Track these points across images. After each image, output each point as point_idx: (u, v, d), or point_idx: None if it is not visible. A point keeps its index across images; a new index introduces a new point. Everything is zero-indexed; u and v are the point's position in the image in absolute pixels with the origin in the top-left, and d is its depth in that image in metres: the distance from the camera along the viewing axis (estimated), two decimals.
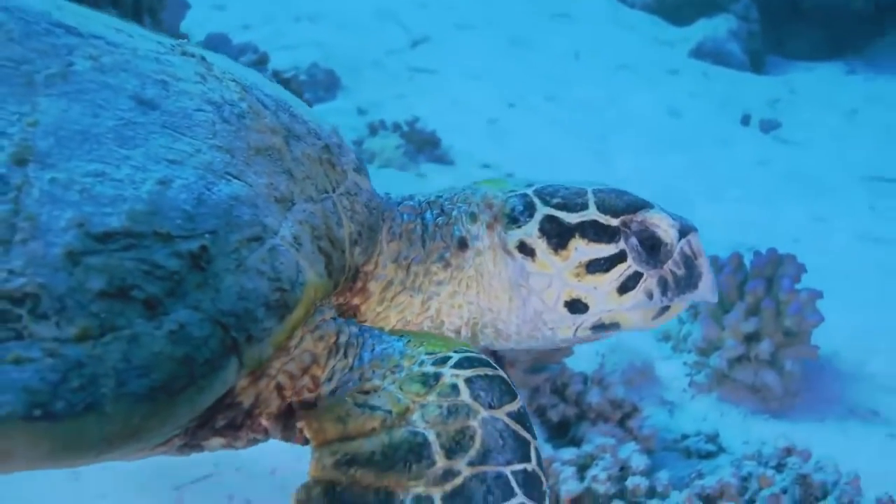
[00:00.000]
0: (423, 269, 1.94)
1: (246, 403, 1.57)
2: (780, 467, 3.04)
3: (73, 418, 1.20)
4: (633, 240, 1.90)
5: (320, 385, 1.63)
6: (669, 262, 1.94)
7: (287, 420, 1.63)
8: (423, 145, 5.73)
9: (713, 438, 3.59)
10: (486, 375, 1.55)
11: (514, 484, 1.41)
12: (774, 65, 9.66)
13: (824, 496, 2.86)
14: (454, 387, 1.51)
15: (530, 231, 1.90)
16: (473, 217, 1.96)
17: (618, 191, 1.97)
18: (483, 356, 1.64)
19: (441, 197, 2.04)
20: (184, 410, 1.34)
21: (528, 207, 1.92)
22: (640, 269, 1.91)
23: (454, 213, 1.98)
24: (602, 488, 2.88)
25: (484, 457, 1.42)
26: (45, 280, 1.24)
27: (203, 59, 1.73)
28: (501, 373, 1.60)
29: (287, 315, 1.48)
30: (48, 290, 1.24)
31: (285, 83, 5.90)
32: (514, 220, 1.92)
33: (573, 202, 1.91)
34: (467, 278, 1.95)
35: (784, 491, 2.91)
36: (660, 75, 8.20)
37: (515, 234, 1.91)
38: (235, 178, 1.50)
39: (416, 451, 1.43)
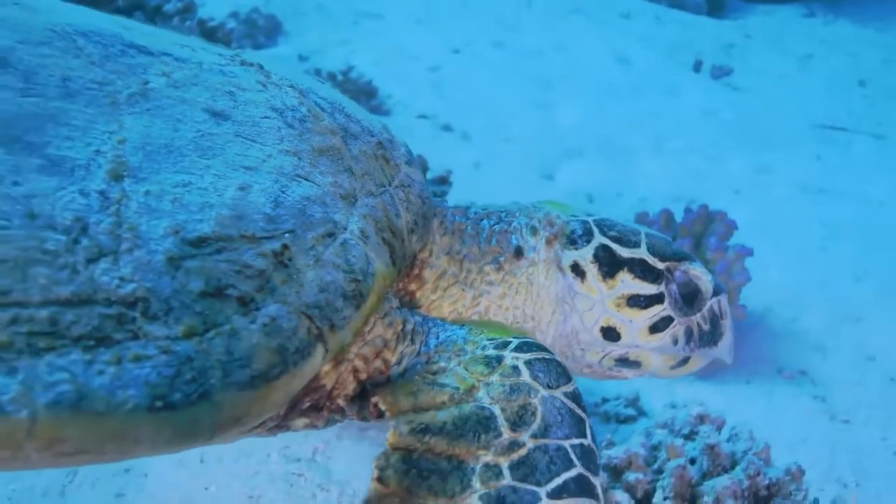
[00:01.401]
0: (477, 267, 2.07)
1: (328, 386, 1.72)
2: (691, 436, 2.94)
3: (188, 407, 1.33)
4: (674, 287, 2.06)
5: (390, 367, 1.78)
6: (698, 315, 2.09)
7: (360, 401, 1.77)
8: (358, 95, 5.53)
9: (634, 402, 3.51)
10: (544, 359, 1.69)
11: (573, 456, 1.53)
12: (734, 8, 9.43)
13: (732, 467, 2.77)
14: (515, 368, 1.65)
15: (585, 255, 2.05)
16: (534, 230, 2.10)
17: (666, 238, 2.13)
18: (539, 342, 1.79)
19: (499, 208, 2.18)
20: (281, 395, 1.48)
21: (587, 233, 2.07)
22: (672, 314, 2.06)
23: (514, 223, 2.12)
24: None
25: (545, 430, 1.55)
26: (152, 284, 1.37)
27: (261, 67, 1.86)
28: (557, 357, 1.73)
29: (362, 303, 1.61)
30: (156, 294, 1.37)
31: (211, 32, 5.68)
32: (572, 242, 2.07)
33: (627, 238, 2.06)
34: (518, 284, 2.08)
35: (692, 461, 2.81)
36: (612, 19, 7.97)
37: (571, 255, 2.06)
38: (304, 179, 1.64)
39: (484, 424, 1.56)
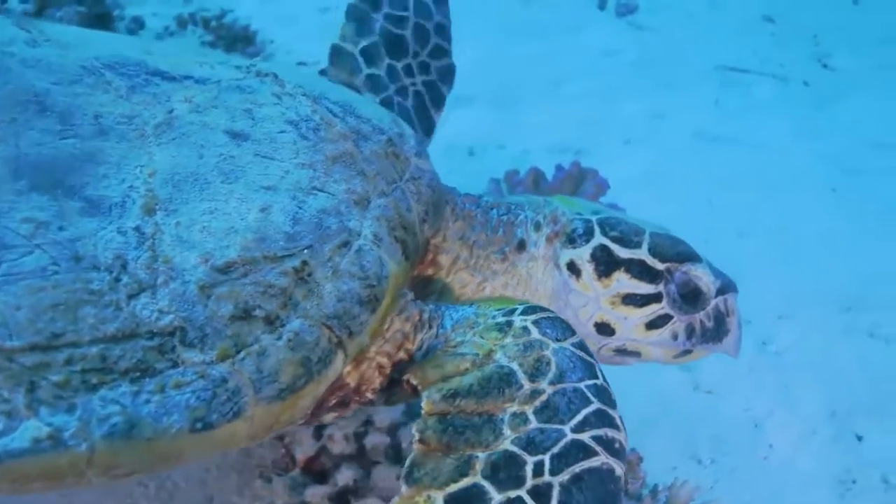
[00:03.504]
0: (485, 254, 2.18)
1: (353, 384, 1.87)
2: None
3: (225, 424, 1.49)
4: (672, 287, 2.10)
5: (413, 355, 1.93)
6: (701, 313, 2.13)
7: (389, 390, 1.93)
8: (235, 42, 5.19)
9: None
10: (549, 317, 1.83)
11: (589, 394, 1.66)
12: None
13: None
14: (525, 328, 1.80)
15: (582, 254, 2.12)
16: (538, 226, 2.18)
17: (675, 238, 2.16)
18: (541, 305, 1.94)
19: (510, 200, 2.28)
20: (307, 402, 1.66)
21: (587, 233, 2.13)
22: (671, 313, 2.11)
23: (520, 216, 2.21)
24: (337, 448, 2.63)
25: (561, 376, 1.69)
26: (187, 314, 1.51)
27: (276, 76, 1.99)
28: (560, 316, 1.88)
29: (378, 307, 1.76)
30: (191, 322, 1.51)
31: None
32: (571, 241, 2.14)
33: (629, 238, 2.11)
34: (518, 276, 2.18)
35: None
36: None
37: (568, 253, 2.13)
38: (320, 190, 1.78)
39: (506, 379, 1.70)
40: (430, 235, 2.08)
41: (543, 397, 1.66)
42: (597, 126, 5.05)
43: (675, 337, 2.13)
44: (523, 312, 1.86)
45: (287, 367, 1.58)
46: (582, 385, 1.69)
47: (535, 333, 1.79)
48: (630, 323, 2.10)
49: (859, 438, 3.37)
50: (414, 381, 1.79)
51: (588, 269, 2.11)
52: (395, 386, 1.93)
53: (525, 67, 5.53)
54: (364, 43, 2.84)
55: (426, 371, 1.79)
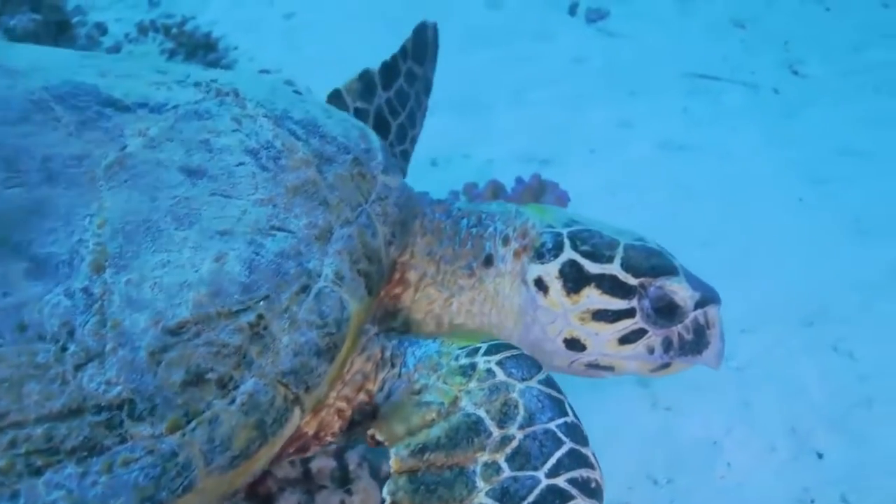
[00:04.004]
0: (451, 269, 2.11)
1: (311, 432, 1.82)
2: None
3: (175, 501, 1.43)
4: (647, 302, 2.02)
5: (374, 396, 1.89)
6: (679, 326, 2.05)
7: (350, 431, 1.89)
8: (196, 49, 5.12)
9: None
10: (513, 356, 1.80)
11: (560, 435, 1.64)
12: None
13: None
14: (489, 371, 1.76)
15: (550, 270, 2.04)
16: (506, 240, 2.11)
17: (651, 251, 2.09)
18: (505, 342, 1.89)
19: (482, 209, 2.20)
20: (261, 463, 1.62)
21: (556, 247, 2.06)
22: (645, 327, 2.04)
23: (490, 229, 2.14)
24: (282, 472, 2.56)
25: (530, 419, 1.67)
26: (136, 385, 1.44)
27: (236, 94, 1.92)
28: (525, 352, 1.84)
29: (337, 354, 1.71)
30: (140, 394, 1.44)
31: None
32: (539, 256, 2.07)
33: (600, 253, 2.05)
34: (485, 292, 2.11)
35: None
36: None
37: (536, 269, 2.06)
38: (279, 229, 1.71)
39: (474, 428, 1.67)
40: (396, 256, 2.03)
41: (514, 443, 1.63)
42: (563, 134, 4.99)
43: (651, 351, 2.07)
44: (487, 352, 1.82)
45: (240, 432, 1.53)
46: (552, 425, 1.66)
47: (500, 375, 1.75)
48: (602, 338, 2.04)
49: (820, 456, 3.31)
50: (380, 438, 1.76)
51: (556, 285, 2.04)
52: (355, 426, 1.89)
53: (491, 74, 5.46)
54: (358, 105, 2.99)
55: (392, 426, 1.75)
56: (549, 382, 1.76)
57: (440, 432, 1.69)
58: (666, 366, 2.13)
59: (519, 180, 3.85)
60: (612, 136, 5.05)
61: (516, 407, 1.69)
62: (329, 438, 1.88)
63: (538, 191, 3.79)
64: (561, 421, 1.68)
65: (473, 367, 1.79)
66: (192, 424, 1.48)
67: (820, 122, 5.53)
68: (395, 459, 1.67)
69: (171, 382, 1.48)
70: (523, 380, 1.74)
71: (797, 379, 3.64)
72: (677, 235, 4.33)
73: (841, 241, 4.43)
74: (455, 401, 1.74)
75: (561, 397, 1.74)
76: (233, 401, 1.54)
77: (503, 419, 1.67)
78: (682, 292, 2.04)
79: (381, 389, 1.89)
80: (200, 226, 1.63)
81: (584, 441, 1.67)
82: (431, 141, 4.77)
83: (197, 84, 1.94)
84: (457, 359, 1.83)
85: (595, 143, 4.95)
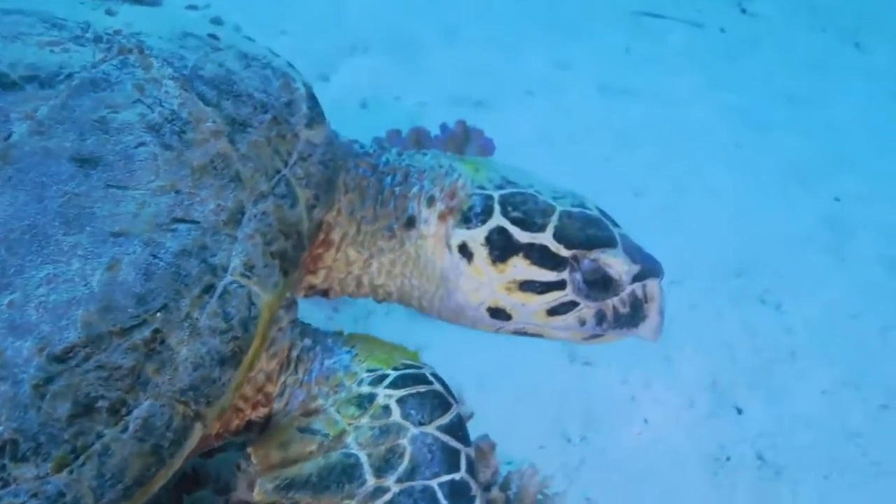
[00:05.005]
0: (372, 230, 2.00)
1: (213, 432, 1.69)
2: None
3: None
4: (578, 275, 1.90)
5: (273, 400, 1.76)
6: (615, 299, 1.93)
7: (248, 429, 1.77)
8: None
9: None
10: (419, 393, 1.67)
11: (440, 495, 1.53)
12: None
13: None
14: (386, 408, 1.64)
15: (476, 236, 1.92)
16: (431, 201, 1.98)
17: (588, 219, 1.95)
18: (421, 371, 1.74)
19: (412, 164, 2.06)
20: (159, 485, 1.49)
21: (485, 212, 1.92)
22: (576, 300, 1.92)
23: (415, 188, 2.01)
24: None
25: (412, 472, 1.55)
26: (18, 423, 1.34)
27: (141, 50, 1.73)
28: (436, 386, 1.71)
29: (243, 359, 1.58)
30: (23, 433, 1.34)
31: None
32: (466, 220, 1.93)
33: (532, 220, 1.91)
34: (406, 254, 2.00)
35: None
36: None
37: (460, 234, 1.93)
38: (182, 220, 1.56)
39: (349, 472, 1.56)
40: (322, 216, 1.91)
41: (387, 497, 1.53)
42: (499, 76, 4.84)
43: (582, 322, 1.96)
44: (392, 384, 1.69)
45: (135, 460, 1.42)
46: (434, 483, 1.55)
47: (395, 415, 1.63)
48: (529, 309, 1.93)
49: (739, 411, 3.29)
50: (254, 460, 1.66)
51: (481, 252, 1.92)
52: (253, 425, 1.79)
53: (424, 12, 5.24)
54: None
55: (269, 450, 1.65)
56: (450, 428, 1.63)
57: (313, 470, 1.59)
58: (599, 335, 2.03)
59: (444, 127, 3.72)
60: (550, 78, 4.91)
61: (402, 455, 1.57)
62: (227, 436, 1.78)
63: (463, 138, 3.67)
64: (446, 479, 1.56)
65: (372, 399, 1.67)
66: (81, 460, 1.38)
67: (765, 65, 5.43)
68: (259, 491, 1.59)
69: (56, 417, 1.37)
70: (420, 424, 1.62)
71: (722, 332, 3.60)
72: (610, 182, 4.26)
73: (776, 190, 4.37)
74: (341, 435, 1.62)
75: (458, 447, 1.62)
76: (125, 428, 1.42)
77: (383, 467, 1.57)
78: (617, 266, 1.91)
79: (280, 394, 1.78)
80: (93, 228, 1.49)
81: (466, 502, 1.57)
82: (361, 82, 4.63)
83: (97, 39, 1.75)
84: (360, 384, 1.71)
85: (532, 84, 4.81)
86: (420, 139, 3.67)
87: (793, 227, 4.11)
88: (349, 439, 1.61)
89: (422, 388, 1.69)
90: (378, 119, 4.34)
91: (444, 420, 1.64)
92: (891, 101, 5.28)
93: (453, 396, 1.74)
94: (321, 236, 1.97)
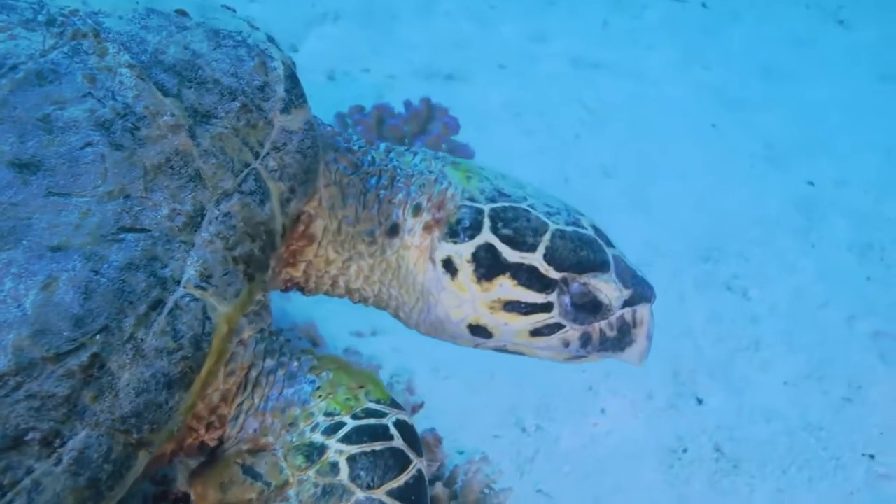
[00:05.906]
0: (353, 231, 1.89)
1: (169, 450, 1.62)
2: None
3: None
4: (567, 298, 1.81)
5: (227, 423, 1.66)
6: (603, 322, 1.85)
7: (200, 449, 1.68)
8: None
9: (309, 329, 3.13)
10: (373, 451, 1.56)
11: None
12: None
13: None
14: (334, 465, 1.53)
15: (463, 252, 1.81)
16: (417, 210, 1.88)
17: (582, 240, 1.83)
18: (381, 422, 1.62)
19: (399, 166, 1.95)
20: None
21: (473, 226, 1.81)
22: (562, 322, 1.83)
23: (401, 194, 1.90)
24: None
25: None
26: None
27: (96, 34, 1.59)
28: (395, 442, 1.59)
29: (195, 377, 1.48)
30: None
31: None
32: (453, 234, 1.82)
33: (523, 239, 1.80)
34: (386, 262, 1.91)
35: None
36: None
37: (446, 249, 1.83)
38: (130, 230, 1.45)
39: None
40: (301, 207, 1.79)
41: None
42: (472, 48, 4.73)
43: (566, 344, 1.87)
44: (346, 438, 1.57)
45: (68, 496, 1.32)
46: None
47: (342, 475, 1.52)
48: (511, 329, 1.84)
49: (699, 402, 3.24)
50: (193, 496, 1.60)
51: (467, 269, 1.81)
52: (206, 448, 1.70)
53: None
54: None
55: (207, 489, 1.59)
56: (401, 494, 1.54)
57: None
58: (582, 356, 1.95)
59: (408, 104, 3.61)
60: (523, 51, 4.80)
61: None
62: (182, 455, 1.70)
63: (426, 117, 3.56)
64: None
65: (322, 451, 1.56)
66: (8, 497, 1.29)
67: (744, 39, 5.33)
68: None
69: None
70: (368, 488, 1.52)
71: (686, 319, 3.54)
72: (579, 161, 4.18)
73: (748, 171, 4.30)
74: (283, 487, 1.53)
75: None
76: (58, 461, 1.32)
77: None
78: (608, 291, 1.82)
79: (235, 418, 1.67)
80: (29, 242, 1.37)
81: None
82: (329, 52, 4.50)
83: (50, 22, 1.59)
84: (314, 429, 1.60)
85: (505, 58, 4.70)
86: (383, 116, 3.56)
87: (763, 209, 4.04)
88: (291, 492, 1.53)
89: (377, 446, 1.58)
90: (345, 92, 4.23)
91: (397, 483, 1.54)
92: (873, 82, 5.19)
93: (418, 449, 1.63)
94: (300, 228, 1.85)
